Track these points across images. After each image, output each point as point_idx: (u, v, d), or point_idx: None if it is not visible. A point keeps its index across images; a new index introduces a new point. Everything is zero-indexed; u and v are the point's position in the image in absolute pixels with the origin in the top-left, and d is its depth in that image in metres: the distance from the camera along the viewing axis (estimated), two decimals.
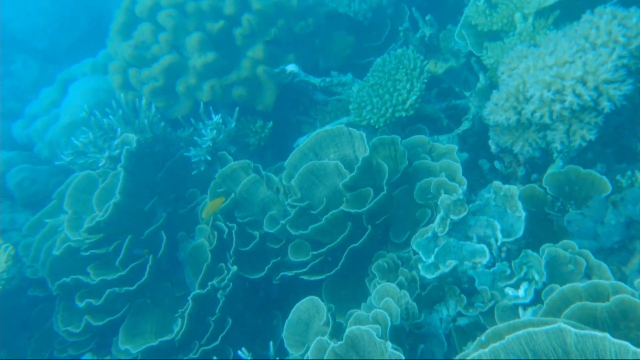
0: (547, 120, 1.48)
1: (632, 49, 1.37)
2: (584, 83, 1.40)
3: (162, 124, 2.25)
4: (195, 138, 2.24)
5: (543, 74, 1.46)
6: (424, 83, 2.21)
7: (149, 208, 1.98)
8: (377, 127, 2.28)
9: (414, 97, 2.16)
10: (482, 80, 2.09)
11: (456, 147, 2.00)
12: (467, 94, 2.11)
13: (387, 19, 3.19)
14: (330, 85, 2.55)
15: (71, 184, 2.08)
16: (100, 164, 2.02)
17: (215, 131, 2.20)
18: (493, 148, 1.85)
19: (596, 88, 1.38)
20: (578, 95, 1.40)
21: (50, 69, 6.06)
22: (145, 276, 1.81)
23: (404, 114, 2.19)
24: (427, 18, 2.50)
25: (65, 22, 6.20)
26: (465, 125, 2.19)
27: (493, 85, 2.06)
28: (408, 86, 2.20)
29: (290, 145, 2.64)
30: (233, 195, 2.04)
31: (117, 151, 2.01)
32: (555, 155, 1.70)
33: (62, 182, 2.45)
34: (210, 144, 2.18)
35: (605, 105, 1.37)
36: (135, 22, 2.49)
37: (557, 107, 1.44)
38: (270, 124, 2.60)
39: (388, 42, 3.19)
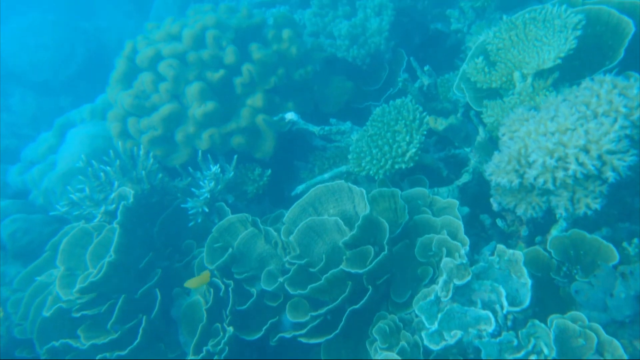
0: (550, 186, 1.46)
1: (634, 120, 1.37)
2: (587, 152, 1.39)
3: (160, 175, 2.22)
4: (192, 189, 2.21)
5: (545, 141, 1.45)
6: (423, 135, 2.20)
7: (144, 265, 1.92)
8: (376, 177, 2.26)
9: (414, 150, 2.15)
10: (481, 134, 2.09)
11: (457, 203, 1.97)
12: (467, 149, 2.10)
13: (385, 63, 3.24)
14: (329, 134, 2.54)
15: (65, 238, 2.02)
16: (96, 220, 1.98)
17: (213, 182, 2.17)
18: (495, 206, 1.82)
19: (600, 157, 1.37)
20: (581, 164, 1.39)
21: (49, 102, 6.09)
22: (138, 339, 1.74)
23: (403, 166, 2.18)
24: (425, 69, 2.53)
25: (65, 55, 6.28)
26: (466, 177, 2.18)
27: (493, 139, 2.06)
28: (407, 138, 2.20)
29: (288, 191, 2.61)
30: (230, 250, 1.99)
31: (114, 206, 1.98)
32: (558, 215, 1.68)
33: (57, 230, 2.40)
34: (208, 196, 2.15)
35: (609, 175, 1.36)
36: (135, 71, 2.50)
37: (560, 174, 1.43)
38: (269, 171, 2.58)
39: (386, 86, 3.22)
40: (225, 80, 2.48)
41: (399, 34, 3.40)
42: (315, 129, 2.56)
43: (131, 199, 1.95)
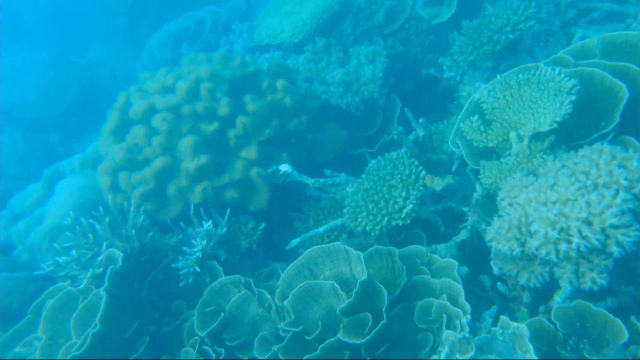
0: (553, 258, 1.42)
1: (636, 193, 1.34)
2: (589, 224, 1.36)
3: (151, 233, 2.15)
4: (184, 248, 2.14)
5: (546, 211, 1.42)
6: (419, 191, 2.17)
7: (130, 334, 1.83)
8: (372, 233, 2.21)
9: (411, 207, 2.11)
10: (479, 190, 2.06)
11: (456, 263, 1.92)
12: (465, 209, 2.07)
13: (379, 110, 3.25)
14: (324, 186, 2.50)
15: (48, 301, 1.93)
16: (82, 285, 1.90)
17: (205, 240, 2.11)
18: (495, 270, 1.77)
19: (603, 231, 1.34)
20: (584, 238, 1.35)
21: (38, 139, 6.04)
22: None
23: (400, 223, 2.13)
24: (420, 120, 2.52)
25: (57, 93, 6.28)
26: (464, 235, 2.14)
27: (491, 196, 2.03)
28: (404, 194, 2.16)
29: (282, 242, 2.55)
30: (222, 315, 1.91)
31: (101, 269, 1.90)
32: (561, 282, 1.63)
33: (41, 288, 2.31)
34: (200, 255, 2.08)
35: (614, 250, 1.33)
36: (128, 124, 2.46)
37: (563, 246, 1.39)
38: (262, 225, 2.52)
39: (380, 133, 3.22)
40: (219, 132, 2.46)
41: (392, 79, 3.43)
42: (310, 181, 2.52)
43: (120, 262, 1.87)
